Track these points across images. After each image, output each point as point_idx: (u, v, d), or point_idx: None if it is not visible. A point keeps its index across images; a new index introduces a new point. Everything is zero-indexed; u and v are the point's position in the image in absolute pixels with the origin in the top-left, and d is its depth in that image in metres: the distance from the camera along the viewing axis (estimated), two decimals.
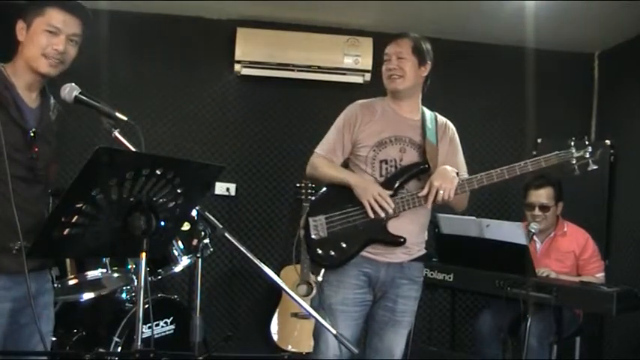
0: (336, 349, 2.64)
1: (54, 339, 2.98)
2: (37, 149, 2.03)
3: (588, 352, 4.41)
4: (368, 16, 4.42)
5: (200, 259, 2.14)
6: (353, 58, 4.49)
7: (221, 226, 2.08)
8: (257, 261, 2.11)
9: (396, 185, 2.67)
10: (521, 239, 3.37)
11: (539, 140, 4.60)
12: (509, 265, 3.32)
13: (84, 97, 2.00)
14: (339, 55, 4.48)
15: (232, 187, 4.58)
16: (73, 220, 1.67)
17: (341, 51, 4.47)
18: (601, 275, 3.64)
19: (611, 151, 4.47)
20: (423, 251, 2.80)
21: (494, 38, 4.67)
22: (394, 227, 2.67)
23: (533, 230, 3.62)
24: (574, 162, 2.77)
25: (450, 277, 3.58)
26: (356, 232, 2.67)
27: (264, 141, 4.68)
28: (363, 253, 2.67)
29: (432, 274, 3.66)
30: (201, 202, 1.99)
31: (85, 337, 3.28)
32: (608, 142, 4.51)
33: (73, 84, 2.02)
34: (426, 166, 2.70)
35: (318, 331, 2.73)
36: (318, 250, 2.69)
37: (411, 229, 2.71)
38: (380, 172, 2.72)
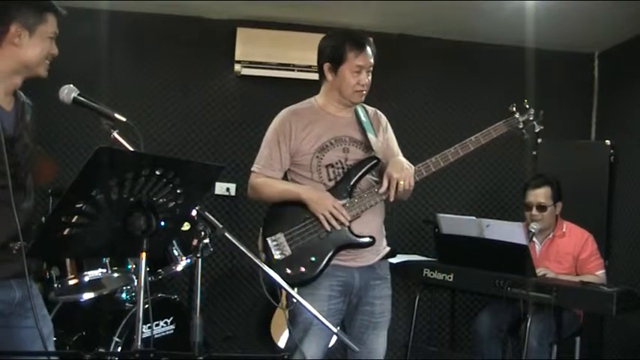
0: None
1: (54, 338, 2.98)
2: (15, 155, 1.98)
3: (588, 352, 4.41)
4: (368, 16, 4.42)
5: (200, 259, 2.14)
6: None
7: (221, 226, 2.09)
8: (257, 261, 2.11)
9: (349, 187, 2.61)
10: (521, 239, 3.37)
11: (539, 140, 4.61)
12: (509, 265, 3.32)
13: (82, 99, 1.99)
14: None
15: (232, 187, 4.58)
16: (73, 220, 1.67)
17: None
18: (601, 273, 3.62)
19: (611, 151, 4.48)
20: (388, 248, 2.74)
21: (494, 38, 4.67)
22: (358, 228, 2.59)
23: (533, 230, 3.62)
24: (521, 126, 2.90)
25: (450, 277, 3.58)
26: (322, 243, 2.56)
27: None
28: (334, 262, 2.57)
29: (432, 274, 3.66)
30: (201, 202, 1.99)
31: (85, 337, 3.28)
32: (608, 142, 4.52)
33: (72, 85, 2.01)
34: (376, 160, 2.65)
35: (295, 345, 2.56)
36: (287, 270, 2.52)
37: (375, 225, 2.66)
38: (328, 176, 2.63)
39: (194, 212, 2.02)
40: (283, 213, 2.62)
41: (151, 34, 4.52)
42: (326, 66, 2.66)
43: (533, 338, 3.31)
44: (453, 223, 3.67)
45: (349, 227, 2.57)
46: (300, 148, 2.65)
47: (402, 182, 2.54)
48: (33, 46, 2.00)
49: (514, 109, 2.89)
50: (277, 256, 2.54)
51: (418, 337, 4.37)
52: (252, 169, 2.72)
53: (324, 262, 2.55)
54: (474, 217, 3.68)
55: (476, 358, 3.70)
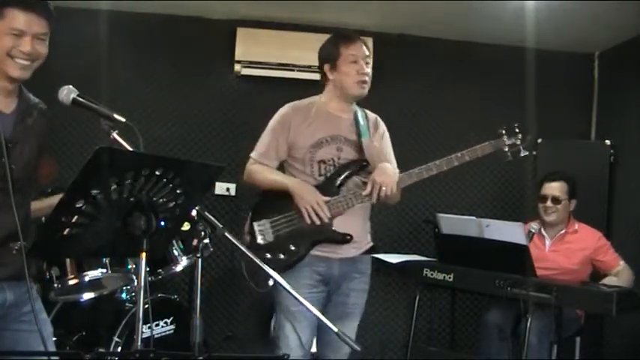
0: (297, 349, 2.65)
1: (54, 339, 2.98)
2: (11, 158, 1.95)
3: (588, 352, 4.41)
4: (369, 16, 4.42)
5: (200, 259, 2.14)
6: None
7: (221, 226, 2.09)
8: (257, 260, 2.11)
9: (337, 184, 2.72)
10: (522, 239, 3.38)
11: (539, 140, 4.61)
12: (509, 265, 3.32)
13: (82, 100, 1.98)
14: None
15: (232, 187, 4.58)
16: (73, 220, 1.67)
17: None
18: (623, 262, 3.68)
19: (611, 151, 4.48)
20: (371, 243, 2.85)
21: (494, 38, 4.67)
22: (340, 224, 2.70)
23: (533, 230, 3.64)
24: (506, 149, 2.96)
25: (450, 277, 3.58)
26: (303, 234, 2.69)
27: None
28: (315, 252, 2.69)
29: (432, 274, 3.66)
30: (201, 202, 1.99)
31: (85, 337, 3.28)
32: (608, 142, 4.52)
33: (71, 86, 2.00)
34: (365, 163, 2.76)
35: (278, 331, 2.72)
36: (267, 254, 2.68)
37: (356, 223, 2.76)
38: (319, 172, 2.75)
39: (194, 212, 2.02)
40: (273, 201, 2.76)
41: (151, 34, 4.52)
42: (326, 67, 2.82)
43: (533, 336, 3.32)
44: (453, 223, 3.67)
45: (331, 223, 2.68)
46: (297, 141, 2.77)
47: (384, 188, 2.64)
48: None
49: (503, 131, 2.96)
50: (260, 240, 2.72)
51: (418, 337, 4.37)
52: (251, 155, 2.87)
53: (302, 252, 2.68)
54: (474, 217, 3.69)
55: (481, 357, 3.70)
